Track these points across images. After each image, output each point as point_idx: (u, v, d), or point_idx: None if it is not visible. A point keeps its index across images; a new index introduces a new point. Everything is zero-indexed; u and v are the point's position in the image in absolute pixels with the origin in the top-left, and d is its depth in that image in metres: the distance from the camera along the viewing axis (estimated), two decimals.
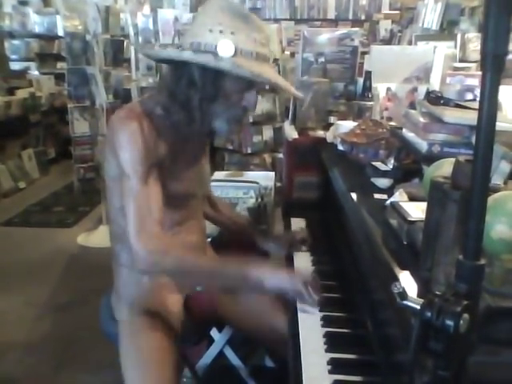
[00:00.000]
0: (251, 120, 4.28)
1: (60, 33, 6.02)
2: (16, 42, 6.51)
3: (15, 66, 6.14)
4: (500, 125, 1.10)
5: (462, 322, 0.57)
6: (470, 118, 1.28)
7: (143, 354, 1.35)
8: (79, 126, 4.66)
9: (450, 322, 0.57)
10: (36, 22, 6.52)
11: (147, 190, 1.29)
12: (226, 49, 1.23)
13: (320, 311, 1.29)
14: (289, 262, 1.62)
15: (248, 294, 1.50)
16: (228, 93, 1.29)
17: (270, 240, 1.70)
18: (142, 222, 1.27)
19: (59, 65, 6.29)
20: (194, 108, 1.29)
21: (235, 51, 1.23)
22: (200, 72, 1.26)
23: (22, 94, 5.34)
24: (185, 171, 1.41)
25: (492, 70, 0.56)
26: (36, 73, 6.22)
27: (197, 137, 1.41)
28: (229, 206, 1.85)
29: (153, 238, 1.27)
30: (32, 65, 6.43)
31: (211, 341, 1.74)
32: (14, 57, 6.34)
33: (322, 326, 1.24)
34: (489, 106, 0.56)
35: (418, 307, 0.61)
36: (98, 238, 3.66)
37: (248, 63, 1.23)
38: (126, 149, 1.28)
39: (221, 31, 1.24)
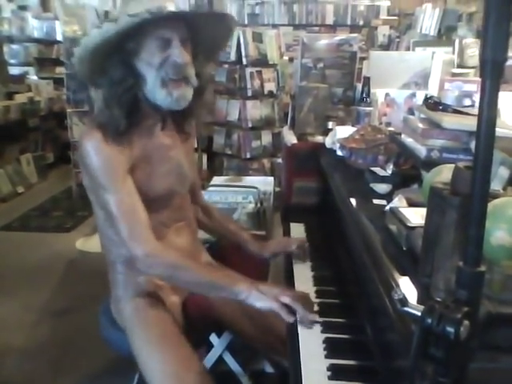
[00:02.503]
0: (250, 125, 4.30)
1: (59, 38, 6.01)
2: (15, 46, 6.51)
3: (14, 70, 6.14)
4: (498, 131, 1.11)
5: (462, 328, 0.57)
6: (469, 123, 1.28)
7: (157, 351, 1.35)
8: (78, 131, 4.65)
9: (450, 329, 0.57)
10: (35, 26, 6.52)
11: (127, 195, 1.31)
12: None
13: (320, 317, 1.28)
14: (288, 267, 1.62)
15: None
16: (148, 62, 1.29)
17: (263, 247, 1.69)
18: (132, 227, 1.29)
19: (58, 70, 6.27)
20: (121, 94, 1.29)
21: (125, 16, 1.25)
22: (111, 63, 1.30)
23: (20, 98, 5.34)
24: (160, 169, 1.41)
25: (491, 77, 0.56)
26: (35, 77, 6.21)
27: (159, 128, 1.41)
28: (224, 215, 1.83)
29: (147, 241, 1.30)
30: (31, 69, 6.43)
31: (210, 346, 1.73)
32: (12, 61, 6.33)
33: (322, 331, 1.24)
34: (488, 112, 0.57)
35: (419, 314, 0.61)
36: (96, 242, 3.61)
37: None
38: (94, 160, 1.29)
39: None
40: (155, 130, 1.41)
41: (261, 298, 1.28)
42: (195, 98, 1.39)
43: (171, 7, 1.29)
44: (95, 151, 1.29)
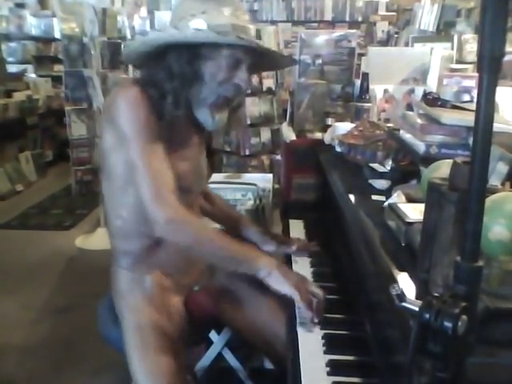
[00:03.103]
0: (249, 122, 4.29)
1: (57, 35, 6.00)
2: (13, 44, 6.50)
3: (12, 68, 6.13)
4: (497, 126, 1.11)
5: (460, 323, 0.57)
6: (467, 119, 1.28)
7: (152, 361, 1.33)
8: (77, 129, 4.65)
9: (448, 324, 0.57)
10: (33, 24, 6.51)
11: (158, 156, 1.26)
12: (198, 27, 1.24)
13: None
14: (287, 263, 1.62)
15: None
16: (212, 74, 1.29)
17: (265, 239, 1.68)
18: (158, 188, 1.24)
19: (56, 67, 6.28)
20: (174, 93, 1.27)
21: (208, 28, 1.24)
22: (176, 57, 1.26)
23: (19, 96, 5.34)
24: (179, 162, 1.37)
25: (489, 72, 0.56)
26: (33, 75, 6.21)
27: (182, 129, 1.39)
28: (225, 202, 1.82)
29: (171, 205, 1.25)
30: (29, 67, 6.42)
31: (210, 343, 1.74)
32: (10, 59, 6.32)
33: (321, 327, 1.24)
34: (486, 107, 0.57)
35: (417, 309, 0.61)
36: (96, 240, 3.65)
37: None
38: (128, 112, 1.25)
39: (192, 15, 1.25)
40: (183, 127, 1.39)
41: (281, 281, 1.25)
42: (234, 108, 1.41)
43: (252, 29, 1.30)
44: (131, 104, 1.24)
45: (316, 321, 1.24)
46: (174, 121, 1.33)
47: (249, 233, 1.67)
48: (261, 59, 1.38)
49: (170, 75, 1.27)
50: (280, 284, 1.25)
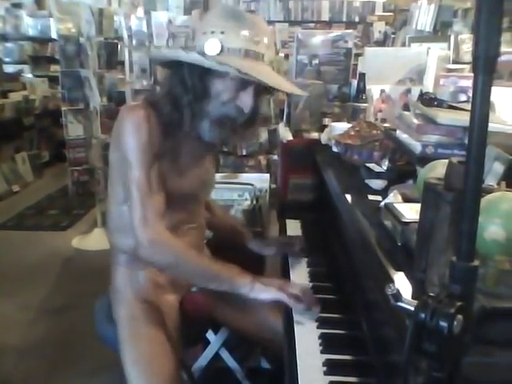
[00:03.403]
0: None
1: (53, 35, 5.99)
2: (9, 44, 6.48)
3: (8, 68, 6.11)
4: (493, 126, 1.11)
5: (455, 323, 0.57)
6: (464, 119, 1.28)
7: (144, 354, 1.34)
8: (73, 129, 4.64)
9: (443, 324, 0.57)
10: (29, 24, 6.49)
11: (150, 179, 1.31)
12: (212, 47, 1.25)
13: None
14: (284, 264, 1.62)
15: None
16: (218, 92, 1.30)
17: (264, 244, 1.70)
18: (144, 210, 1.29)
19: (53, 68, 6.26)
20: (184, 106, 1.31)
21: (221, 49, 1.25)
22: (189, 71, 1.29)
23: (15, 96, 5.32)
24: (186, 171, 1.41)
25: (483, 73, 0.56)
26: (29, 76, 6.19)
27: (192, 138, 1.41)
28: (222, 209, 1.84)
29: (155, 228, 1.30)
30: (25, 67, 6.40)
31: (207, 343, 1.74)
32: (7, 60, 6.30)
33: (318, 327, 1.24)
34: (481, 107, 0.57)
35: (412, 309, 0.61)
36: (92, 241, 3.65)
37: (234, 60, 1.24)
38: (131, 136, 1.30)
39: (212, 32, 1.27)
40: (193, 137, 1.41)
41: (265, 290, 1.30)
42: (244, 126, 1.41)
43: (268, 55, 1.30)
44: (135, 128, 1.29)
45: (314, 309, 1.28)
46: (186, 134, 1.37)
47: (247, 242, 1.69)
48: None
49: (184, 88, 1.30)
50: (265, 293, 1.30)
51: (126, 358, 1.34)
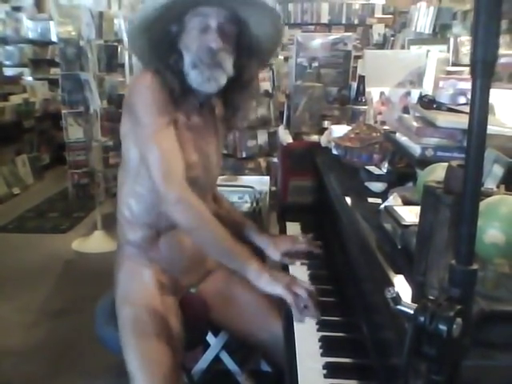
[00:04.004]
0: (246, 124, 4.29)
1: (54, 38, 6.00)
2: (9, 47, 6.49)
3: (9, 71, 6.12)
4: (493, 128, 1.11)
5: (455, 326, 0.57)
6: (463, 122, 1.28)
7: (148, 352, 1.34)
8: (73, 132, 4.64)
9: (443, 327, 0.57)
10: (29, 27, 6.50)
11: (170, 139, 1.31)
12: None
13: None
14: (284, 265, 1.62)
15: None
16: (187, 46, 1.34)
17: (268, 244, 1.68)
18: (169, 169, 1.29)
19: (53, 70, 6.26)
20: (172, 65, 1.34)
21: None
22: (160, 45, 1.35)
23: (15, 99, 5.33)
24: (188, 151, 1.40)
25: (482, 76, 0.56)
26: (30, 78, 6.20)
27: (192, 113, 1.42)
28: (231, 205, 1.82)
29: (181, 186, 1.30)
30: (26, 70, 6.41)
31: (207, 345, 1.74)
32: (7, 63, 6.31)
33: (318, 330, 1.24)
34: (479, 111, 0.57)
35: (412, 312, 0.61)
36: (92, 243, 3.64)
37: None
38: (143, 95, 1.32)
39: None
40: (192, 115, 1.43)
41: (271, 284, 1.28)
42: (238, 90, 1.43)
43: None
44: (147, 89, 1.31)
45: (314, 314, 1.26)
46: (188, 109, 1.39)
47: (254, 238, 1.67)
48: (243, 28, 1.39)
49: (162, 63, 1.34)
50: (270, 286, 1.28)
51: (129, 357, 1.34)
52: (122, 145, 1.43)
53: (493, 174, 1.11)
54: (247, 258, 1.32)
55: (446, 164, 0.82)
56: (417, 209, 0.94)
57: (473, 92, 0.57)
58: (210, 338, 1.70)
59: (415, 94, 1.99)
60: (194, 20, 1.33)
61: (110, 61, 4.46)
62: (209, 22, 1.33)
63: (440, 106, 1.46)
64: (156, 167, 1.29)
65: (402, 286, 0.89)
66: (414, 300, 0.81)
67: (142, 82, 1.34)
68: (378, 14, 6.54)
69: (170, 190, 1.29)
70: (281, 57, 4.89)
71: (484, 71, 0.56)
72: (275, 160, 4.29)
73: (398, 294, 0.64)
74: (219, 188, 2.32)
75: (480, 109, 0.57)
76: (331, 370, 1.09)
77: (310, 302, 1.26)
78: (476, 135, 0.57)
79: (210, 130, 1.50)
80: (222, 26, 1.34)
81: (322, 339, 1.20)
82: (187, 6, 1.32)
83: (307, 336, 1.22)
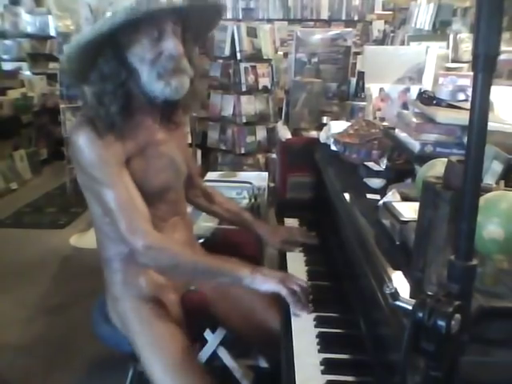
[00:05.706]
0: (244, 120, 4.29)
1: (52, 33, 5.98)
2: (8, 42, 6.46)
3: (7, 66, 6.10)
4: (492, 125, 1.11)
5: (453, 322, 0.57)
6: (463, 118, 1.28)
7: (158, 336, 1.35)
8: (71, 127, 4.62)
9: (441, 323, 0.57)
10: (28, 21, 6.46)
11: (124, 189, 1.29)
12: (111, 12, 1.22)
13: (313, 311, 1.29)
14: (282, 261, 1.62)
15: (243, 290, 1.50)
16: (141, 57, 1.27)
17: (267, 230, 1.69)
18: (131, 220, 1.28)
19: (51, 65, 6.24)
20: (112, 94, 1.26)
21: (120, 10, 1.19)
22: (103, 57, 1.26)
23: (13, 94, 5.30)
24: (156, 165, 1.39)
25: (483, 71, 0.56)
26: (28, 73, 6.17)
27: (151, 125, 1.39)
28: (226, 198, 1.82)
29: (146, 233, 1.29)
30: (24, 65, 6.38)
31: (204, 342, 1.73)
32: (5, 57, 6.29)
33: (315, 326, 1.24)
34: (480, 106, 0.57)
35: (410, 308, 0.61)
36: (90, 239, 3.60)
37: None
38: (87, 155, 1.27)
39: (110, 3, 1.24)
40: (148, 125, 1.40)
41: (266, 282, 1.30)
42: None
43: None
44: (87, 146, 1.27)
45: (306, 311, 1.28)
46: (137, 123, 1.35)
47: (253, 226, 1.69)
48: (185, 19, 1.33)
49: (102, 78, 1.26)
50: (266, 284, 1.30)
51: (141, 344, 1.35)
52: (80, 186, 1.39)
53: (492, 170, 1.10)
54: (234, 267, 1.33)
55: (446, 160, 0.82)
56: (415, 205, 0.93)
57: (474, 86, 0.56)
58: (207, 334, 1.69)
59: (415, 91, 1.98)
60: (144, 29, 1.25)
61: None
62: (162, 28, 1.26)
63: (439, 103, 1.45)
64: (118, 219, 1.27)
65: (400, 282, 0.88)
66: (412, 296, 0.81)
67: (80, 140, 1.27)
68: (378, 10, 6.51)
69: (136, 240, 1.27)
70: (280, 52, 4.88)
71: (486, 65, 0.55)
72: (274, 156, 4.29)
73: (396, 290, 0.64)
74: (218, 184, 2.32)
75: (481, 103, 0.56)
76: (329, 366, 1.09)
77: (304, 297, 1.28)
78: (476, 130, 0.57)
79: (168, 132, 1.46)
80: (175, 29, 1.30)
81: (320, 335, 1.20)
82: (138, 21, 1.23)
83: (305, 332, 1.22)
